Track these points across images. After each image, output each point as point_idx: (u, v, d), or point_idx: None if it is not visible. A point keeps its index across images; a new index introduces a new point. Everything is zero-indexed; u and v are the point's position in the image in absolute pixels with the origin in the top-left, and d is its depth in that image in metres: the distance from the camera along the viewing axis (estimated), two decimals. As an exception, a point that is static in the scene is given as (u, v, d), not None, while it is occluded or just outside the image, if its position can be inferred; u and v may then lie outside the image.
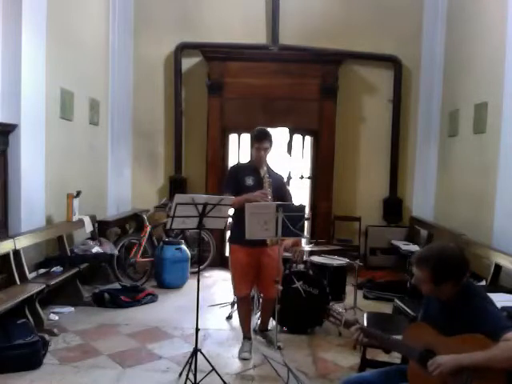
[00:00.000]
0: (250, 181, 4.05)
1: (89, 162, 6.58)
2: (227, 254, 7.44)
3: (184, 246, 6.41)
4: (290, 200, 4.22)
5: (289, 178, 7.24)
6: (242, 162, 4.76)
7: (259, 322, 4.61)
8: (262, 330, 4.48)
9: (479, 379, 2.09)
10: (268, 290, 4.15)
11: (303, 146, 7.46)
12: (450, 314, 2.28)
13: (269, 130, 4.19)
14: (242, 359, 4.06)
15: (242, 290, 4.14)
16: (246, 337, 4.23)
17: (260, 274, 4.11)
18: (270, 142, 4.10)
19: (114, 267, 6.06)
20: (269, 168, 4.16)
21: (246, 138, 7.34)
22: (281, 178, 4.38)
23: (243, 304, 4.22)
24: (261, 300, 4.64)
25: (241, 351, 4.14)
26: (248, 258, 4.04)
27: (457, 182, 6.49)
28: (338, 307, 2.60)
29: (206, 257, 7.02)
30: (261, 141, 4.05)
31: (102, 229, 6.41)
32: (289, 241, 4.66)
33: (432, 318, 2.37)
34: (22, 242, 4.61)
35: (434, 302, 2.40)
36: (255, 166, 4.11)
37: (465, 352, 2.10)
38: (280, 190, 4.16)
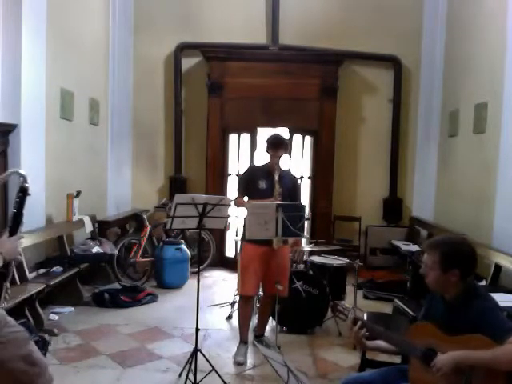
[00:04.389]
0: (263, 184, 4.11)
1: (89, 162, 6.58)
2: (227, 253, 7.48)
3: (184, 246, 6.41)
4: (299, 201, 4.25)
5: (301, 178, 7.23)
6: (256, 163, 4.81)
7: (256, 324, 4.55)
8: (258, 335, 4.42)
9: (480, 377, 2.09)
10: (272, 286, 4.13)
11: (303, 146, 7.45)
12: (454, 313, 2.28)
13: (282, 135, 4.25)
14: (237, 363, 4.03)
15: (248, 290, 4.11)
16: (243, 341, 4.21)
17: (267, 272, 4.09)
18: (285, 148, 4.16)
19: (114, 267, 6.06)
20: (282, 171, 4.18)
21: (246, 138, 7.36)
22: (295, 179, 4.43)
23: (246, 304, 4.19)
24: (260, 299, 4.62)
25: (236, 355, 4.11)
26: (260, 258, 4.03)
27: (457, 181, 6.49)
28: (344, 303, 2.64)
29: (206, 257, 7.02)
30: (276, 148, 4.09)
31: (101, 229, 6.41)
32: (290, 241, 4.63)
33: (435, 317, 2.37)
34: (21, 242, 4.59)
35: (438, 302, 2.40)
36: (269, 170, 4.14)
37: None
38: (292, 192, 4.20)
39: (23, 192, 2.08)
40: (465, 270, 2.28)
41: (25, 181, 2.09)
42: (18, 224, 2.13)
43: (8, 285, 2.13)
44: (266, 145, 4.17)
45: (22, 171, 2.08)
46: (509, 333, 2.07)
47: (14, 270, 4.48)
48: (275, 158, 4.10)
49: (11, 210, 2.10)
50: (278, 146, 4.10)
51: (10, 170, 2.15)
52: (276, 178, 4.06)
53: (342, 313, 2.57)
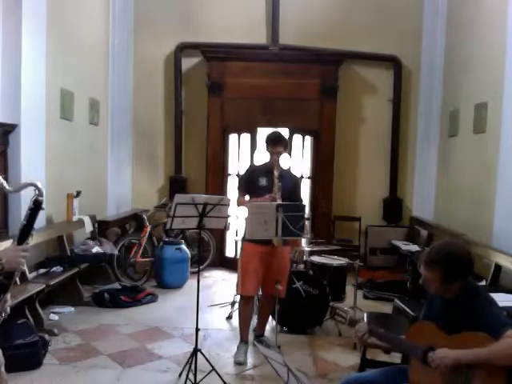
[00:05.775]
0: (263, 181, 4.14)
1: (89, 162, 6.58)
2: (227, 253, 7.48)
3: (184, 246, 6.41)
4: (299, 200, 4.25)
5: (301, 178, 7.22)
6: (256, 163, 4.85)
7: (256, 324, 4.55)
8: (258, 335, 4.42)
9: (479, 376, 2.09)
10: (272, 287, 4.13)
11: (303, 146, 7.45)
12: (453, 312, 2.29)
13: (282, 133, 4.26)
14: (237, 363, 4.03)
15: (249, 290, 4.11)
16: (243, 340, 4.21)
17: (267, 272, 4.09)
18: (284, 145, 4.17)
19: (114, 267, 6.06)
20: (282, 170, 4.19)
21: (246, 138, 7.35)
22: (295, 178, 4.44)
23: (246, 304, 4.19)
24: (260, 299, 4.62)
25: (236, 355, 4.11)
26: (260, 257, 4.03)
27: (457, 181, 6.49)
28: (343, 306, 2.64)
29: (206, 257, 7.02)
30: (275, 145, 4.11)
31: (101, 229, 6.41)
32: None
33: (435, 316, 2.37)
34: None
35: (437, 301, 2.40)
36: (269, 168, 4.15)
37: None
38: (292, 191, 4.21)
39: (37, 205, 2.01)
40: (465, 275, 2.30)
41: (40, 194, 2.01)
42: (27, 236, 2.05)
43: (8, 296, 2.07)
44: (265, 142, 4.19)
45: (39, 184, 2.00)
46: (504, 327, 2.08)
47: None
48: (274, 154, 4.11)
49: (21, 220, 2.00)
50: (276, 142, 4.12)
51: (26, 182, 2.08)
52: (275, 173, 4.07)
53: (341, 315, 2.57)
